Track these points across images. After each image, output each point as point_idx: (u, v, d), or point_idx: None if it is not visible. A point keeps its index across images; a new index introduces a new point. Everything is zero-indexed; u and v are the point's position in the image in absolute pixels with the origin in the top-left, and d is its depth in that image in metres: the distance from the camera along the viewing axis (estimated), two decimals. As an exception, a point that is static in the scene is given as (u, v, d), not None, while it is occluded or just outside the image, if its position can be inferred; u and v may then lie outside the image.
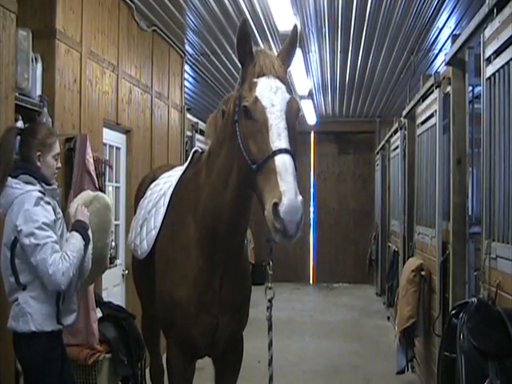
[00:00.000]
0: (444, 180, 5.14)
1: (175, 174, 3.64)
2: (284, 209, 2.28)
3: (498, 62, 3.48)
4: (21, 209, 2.92)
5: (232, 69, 8.64)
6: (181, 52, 7.81)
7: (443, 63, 5.76)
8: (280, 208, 2.29)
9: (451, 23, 6.60)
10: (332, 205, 14.17)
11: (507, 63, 3.35)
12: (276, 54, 2.79)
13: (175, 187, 3.45)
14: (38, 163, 3.10)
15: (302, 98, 9.95)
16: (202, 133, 8.13)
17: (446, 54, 5.07)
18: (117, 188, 5.95)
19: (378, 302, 11.05)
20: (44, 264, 2.85)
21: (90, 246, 3.12)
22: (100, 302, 4.53)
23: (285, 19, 5.94)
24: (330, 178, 14.28)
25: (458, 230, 4.58)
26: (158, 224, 3.40)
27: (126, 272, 5.81)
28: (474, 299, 3.09)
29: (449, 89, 4.87)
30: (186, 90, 9.40)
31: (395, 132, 8.76)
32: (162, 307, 3.27)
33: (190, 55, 8.13)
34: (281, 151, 2.42)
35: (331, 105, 12.08)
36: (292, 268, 13.63)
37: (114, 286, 5.68)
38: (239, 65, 2.76)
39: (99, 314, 4.39)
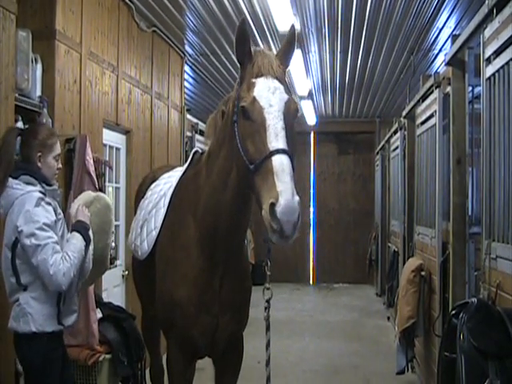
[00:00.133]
0: (444, 180, 5.14)
1: (175, 174, 3.64)
2: (281, 209, 2.29)
3: (498, 62, 3.48)
4: (21, 209, 2.92)
5: (232, 69, 8.63)
6: (181, 52, 7.81)
7: (443, 63, 5.75)
8: (277, 208, 2.29)
9: (451, 23, 6.60)
10: (332, 205, 14.17)
11: (507, 63, 3.35)
12: (275, 54, 2.78)
13: (175, 188, 3.45)
14: (39, 164, 3.10)
15: (301, 98, 9.95)
16: (201, 133, 8.12)
17: (445, 54, 5.08)
18: (117, 189, 5.95)
19: (377, 302, 11.05)
20: (45, 264, 2.85)
21: (91, 247, 3.12)
22: (100, 303, 4.52)
23: (284, 19, 5.94)
24: (329, 178, 14.28)
25: (457, 230, 4.58)
26: (159, 225, 3.40)
27: (126, 273, 5.81)
28: (474, 299, 3.09)
29: (449, 89, 4.87)
30: (186, 90, 9.40)
31: (395, 132, 8.76)
32: (162, 307, 3.27)
33: (190, 55, 8.13)
34: (278, 151, 2.43)
35: (331, 105, 12.08)
36: (292, 268, 13.63)
37: (114, 287, 5.68)
38: (239, 65, 2.76)
39: (99, 314, 4.39)
